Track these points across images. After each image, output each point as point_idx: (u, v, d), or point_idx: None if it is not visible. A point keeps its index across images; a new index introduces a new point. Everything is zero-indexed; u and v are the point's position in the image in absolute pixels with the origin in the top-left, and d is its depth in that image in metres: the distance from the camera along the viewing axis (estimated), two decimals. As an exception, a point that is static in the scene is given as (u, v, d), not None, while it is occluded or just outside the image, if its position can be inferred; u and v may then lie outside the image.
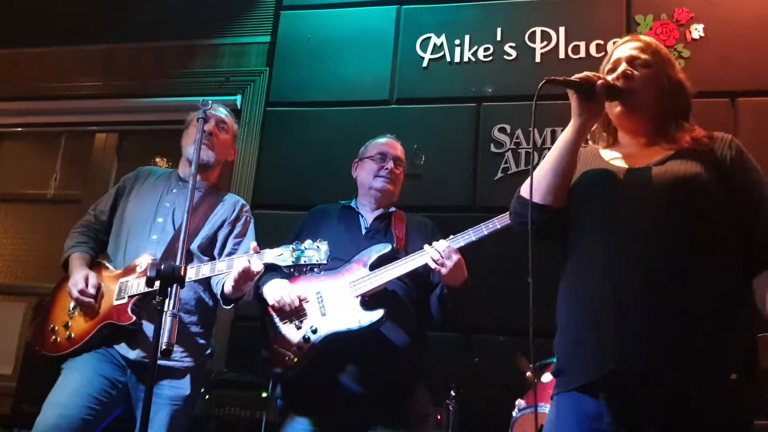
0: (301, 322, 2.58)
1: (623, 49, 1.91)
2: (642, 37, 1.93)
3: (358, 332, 2.51)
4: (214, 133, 2.86)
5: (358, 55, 4.49)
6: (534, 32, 4.25)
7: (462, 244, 2.53)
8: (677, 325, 1.59)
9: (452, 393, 3.18)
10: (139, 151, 5.07)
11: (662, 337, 1.59)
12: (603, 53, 4.09)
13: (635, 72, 1.84)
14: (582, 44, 4.15)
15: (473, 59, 4.26)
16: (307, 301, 2.61)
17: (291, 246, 2.49)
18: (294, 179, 4.28)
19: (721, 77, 3.81)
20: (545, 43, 4.20)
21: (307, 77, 4.53)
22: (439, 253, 2.49)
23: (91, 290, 2.64)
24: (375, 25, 4.54)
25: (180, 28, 4.90)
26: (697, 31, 4.03)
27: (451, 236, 2.57)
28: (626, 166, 1.79)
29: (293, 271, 2.51)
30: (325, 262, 2.45)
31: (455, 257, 2.48)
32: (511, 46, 4.22)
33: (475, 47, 4.27)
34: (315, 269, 2.47)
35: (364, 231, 2.81)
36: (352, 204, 2.92)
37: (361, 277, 2.59)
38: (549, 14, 4.27)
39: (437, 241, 2.54)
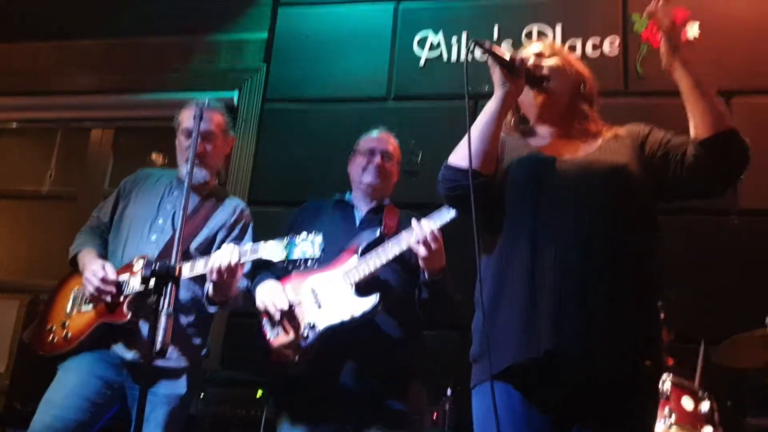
0: (298, 320, 2.57)
1: (528, 49, 1.99)
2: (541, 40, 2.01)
3: (356, 321, 2.49)
4: (202, 152, 2.80)
5: (355, 52, 4.50)
6: (531, 30, 4.27)
7: (441, 223, 2.46)
8: (610, 311, 1.66)
9: (449, 391, 3.18)
10: (136, 148, 5.06)
11: (595, 323, 1.65)
12: (599, 52, 4.12)
13: (545, 63, 1.92)
14: (578, 42, 4.17)
15: (470, 58, 4.24)
16: (298, 303, 2.59)
17: (284, 239, 2.48)
18: (291, 175, 4.28)
19: (717, 76, 3.81)
20: (535, 43, 4.19)
21: (305, 74, 4.53)
22: (424, 233, 2.43)
23: (112, 276, 2.59)
24: (372, 22, 4.55)
25: (177, 23, 4.88)
26: (692, 30, 4.03)
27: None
28: (556, 156, 1.84)
29: (287, 266, 2.51)
30: (318, 255, 2.43)
31: (438, 241, 2.44)
32: (507, 44, 4.23)
33: (472, 45, 4.25)
34: (309, 263, 2.45)
35: (357, 223, 2.81)
36: (346, 197, 2.92)
37: (353, 265, 2.58)
38: (546, 12, 4.29)
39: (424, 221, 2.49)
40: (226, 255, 2.49)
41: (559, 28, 4.23)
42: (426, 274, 2.52)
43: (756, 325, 3.01)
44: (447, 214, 2.45)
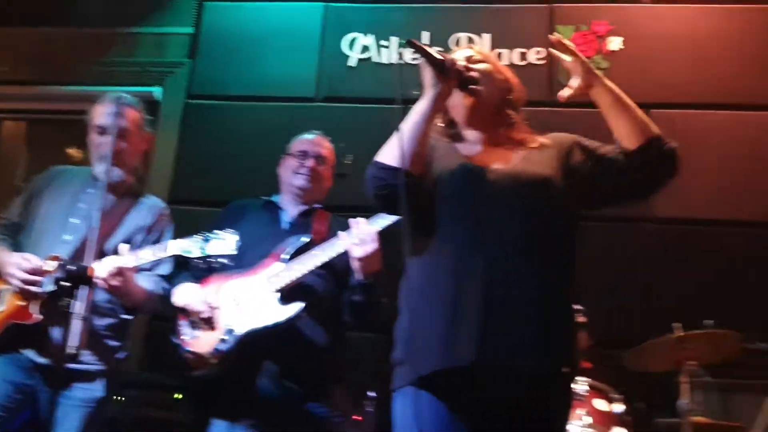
0: (216, 323, 2.51)
1: (459, 52, 2.01)
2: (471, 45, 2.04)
3: (276, 328, 2.45)
4: (117, 150, 2.67)
5: (283, 51, 4.45)
6: (460, 38, 4.32)
7: (382, 226, 2.46)
8: (534, 319, 1.69)
9: (372, 394, 3.17)
10: (51, 142, 4.85)
11: (520, 331, 1.68)
12: (526, 62, 4.21)
13: (475, 67, 1.93)
14: (506, 52, 4.25)
15: (402, 61, 4.27)
16: (217, 305, 2.53)
17: (196, 237, 2.42)
18: (215, 174, 4.20)
19: (638, 89, 3.89)
20: (465, 47, 4.25)
21: (231, 71, 4.46)
22: (359, 232, 2.42)
23: (37, 263, 2.47)
24: (301, 21, 4.52)
25: (97, 14, 4.70)
26: (615, 43, 4.18)
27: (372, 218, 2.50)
28: (484, 166, 1.86)
29: (202, 265, 2.46)
30: (233, 252, 2.39)
31: (375, 243, 2.43)
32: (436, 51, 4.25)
33: (402, 49, 4.29)
34: (225, 262, 2.41)
35: (285, 226, 2.76)
36: (274, 199, 2.87)
37: (277, 271, 2.54)
38: (475, 21, 4.36)
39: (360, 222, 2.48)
40: (110, 261, 2.41)
41: (487, 38, 4.31)
42: (360, 277, 2.50)
43: (668, 329, 3.13)
44: (388, 218, 2.44)
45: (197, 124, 4.39)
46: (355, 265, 2.47)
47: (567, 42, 1.86)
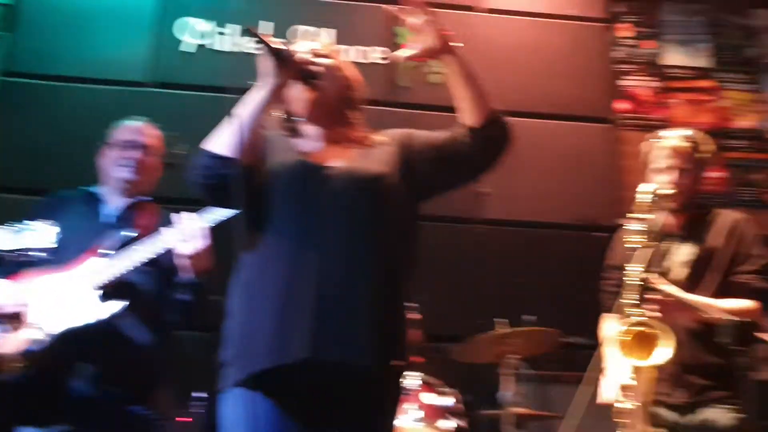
0: (25, 322, 2.32)
1: (304, 45, 1.98)
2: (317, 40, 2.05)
3: (94, 328, 2.32)
4: None
5: (115, 31, 4.23)
6: (300, 30, 4.31)
7: (214, 221, 2.38)
8: (366, 317, 1.70)
9: (198, 395, 3.08)
10: None
11: (351, 329, 1.68)
12: (367, 60, 4.26)
13: (318, 61, 1.92)
14: (348, 48, 4.28)
15: (239, 50, 4.18)
16: (27, 302, 2.35)
17: (8, 227, 2.25)
18: (33, 161, 3.91)
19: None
20: (310, 41, 4.24)
21: (56, 48, 4.17)
22: (187, 228, 2.33)
23: None
24: (137, 1, 4.29)
25: None
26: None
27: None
28: (321, 163, 1.85)
29: (14, 258, 2.27)
30: (50, 246, 2.24)
31: (206, 239, 2.35)
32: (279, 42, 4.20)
33: (244, 38, 4.20)
34: (42, 255, 2.26)
35: (107, 220, 2.61)
36: (95, 191, 2.69)
37: (97, 267, 2.40)
38: (318, 15, 4.38)
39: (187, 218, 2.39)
40: None
41: (330, 33, 4.32)
42: (189, 276, 2.41)
43: (494, 325, 3.28)
44: (219, 212, 2.36)
45: (14, 104, 4.06)
46: (182, 263, 2.37)
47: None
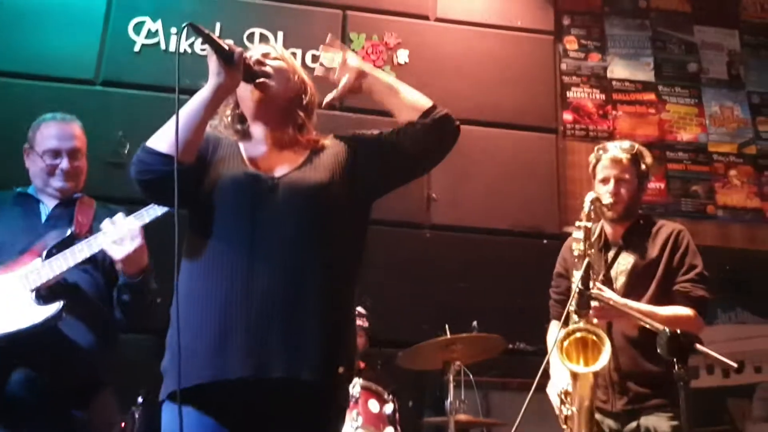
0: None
1: (257, 48, 2.02)
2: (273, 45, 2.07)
3: (31, 331, 2.24)
4: None
5: (61, 27, 4.13)
6: (253, 33, 4.29)
7: (147, 220, 2.31)
8: (311, 329, 1.69)
9: (140, 399, 3.02)
10: None
11: (302, 344, 1.67)
12: (317, 63, 4.24)
13: (269, 62, 1.93)
14: (299, 51, 4.27)
15: (189, 51, 4.14)
16: None
17: None
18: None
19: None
20: (263, 45, 4.22)
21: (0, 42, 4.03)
22: (118, 230, 2.26)
23: None
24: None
25: None
26: (403, 56, 4.35)
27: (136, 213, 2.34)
28: (266, 171, 1.85)
29: None
30: None
31: (138, 240, 2.27)
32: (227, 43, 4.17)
33: (193, 38, 4.16)
34: None
35: (44, 219, 2.52)
36: (30, 191, 2.60)
37: (34, 268, 2.32)
38: (269, 18, 4.36)
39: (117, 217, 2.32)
40: None
41: (281, 35, 4.31)
42: (125, 276, 2.35)
43: (440, 330, 3.30)
44: (154, 211, 2.31)
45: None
46: (117, 264, 2.32)
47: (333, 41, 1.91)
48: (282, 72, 1.91)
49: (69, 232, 2.39)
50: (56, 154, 2.51)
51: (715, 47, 4.99)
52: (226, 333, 1.65)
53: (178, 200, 1.66)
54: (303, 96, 1.96)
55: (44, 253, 2.33)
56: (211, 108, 1.79)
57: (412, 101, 1.87)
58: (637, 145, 2.76)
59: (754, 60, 5.01)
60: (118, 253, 2.25)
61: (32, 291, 2.29)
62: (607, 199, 2.62)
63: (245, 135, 1.95)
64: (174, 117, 1.73)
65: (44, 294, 2.29)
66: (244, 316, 1.66)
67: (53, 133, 2.53)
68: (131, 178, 1.78)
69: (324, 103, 1.93)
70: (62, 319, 2.28)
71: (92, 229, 2.40)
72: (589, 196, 2.60)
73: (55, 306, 2.26)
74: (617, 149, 2.70)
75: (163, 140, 1.75)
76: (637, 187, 2.70)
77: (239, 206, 1.77)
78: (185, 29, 1.76)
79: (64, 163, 2.50)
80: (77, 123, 2.61)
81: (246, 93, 1.90)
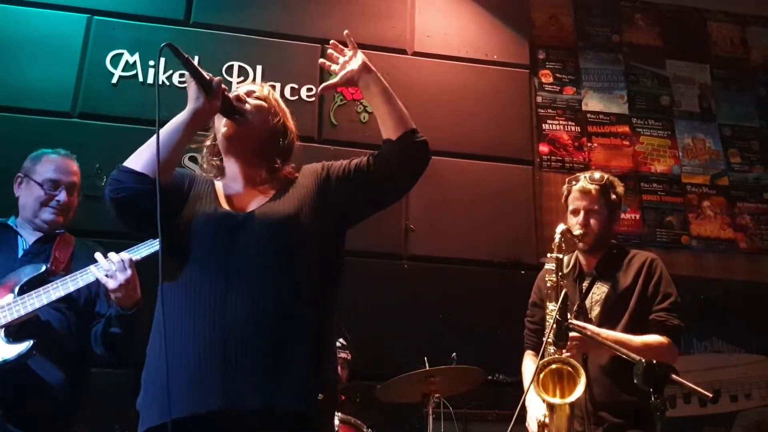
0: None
1: (244, 86, 2.04)
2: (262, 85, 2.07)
3: (4, 367, 2.21)
4: None
5: (40, 60, 4.10)
6: (232, 66, 4.30)
7: (142, 255, 2.33)
8: (288, 362, 1.68)
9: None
10: None
11: (274, 375, 1.65)
12: (296, 97, 4.28)
13: (249, 100, 1.94)
14: (278, 85, 4.28)
15: (167, 83, 4.15)
16: None
17: None
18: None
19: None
20: (242, 78, 4.26)
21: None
22: (113, 263, 2.27)
23: None
24: (63, 31, 4.20)
25: None
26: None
27: (132, 248, 2.37)
28: (240, 210, 1.85)
29: None
30: None
31: (130, 271, 2.28)
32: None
33: (171, 71, 4.18)
34: None
35: (21, 253, 2.50)
36: (10, 222, 2.59)
37: (6, 304, 2.29)
38: (248, 51, 4.37)
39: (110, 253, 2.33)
40: None
41: (259, 69, 4.33)
42: (119, 309, 2.34)
43: (419, 362, 3.28)
44: (151, 247, 2.32)
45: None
46: (112, 295, 2.31)
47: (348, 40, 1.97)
48: (260, 111, 1.92)
49: (43, 268, 2.37)
50: (56, 185, 2.55)
51: (686, 81, 5.10)
52: (201, 366, 1.64)
53: (160, 222, 1.65)
54: (281, 139, 1.95)
55: (17, 289, 2.31)
56: (188, 131, 1.80)
57: (400, 115, 1.89)
58: (607, 176, 2.79)
59: (724, 93, 5.12)
60: (111, 283, 2.25)
61: (1, 328, 2.25)
62: (577, 231, 2.65)
63: (220, 171, 1.96)
64: (151, 139, 1.75)
65: (15, 331, 2.26)
66: (220, 348, 1.64)
67: (55, 166, 2.59)
68: (106, 200, 1.77)
69: (320, 88, 1.99)
70: (34, 357, 2.25)
71: (71, 266, 2.38)
72: (560, 228, 2.63)
73: (26, 345, 2.23)
74: (586, 180, 2.73)
75: (138, 160, 1.77)
76: (608, 217, 2.73)
77: (210, 245, 1.76)
78: (163, 49, 1.78)
79: (62, 195, 2.54)
80: (76, 161, 2.66)
81: (220, 126, 1.91)
